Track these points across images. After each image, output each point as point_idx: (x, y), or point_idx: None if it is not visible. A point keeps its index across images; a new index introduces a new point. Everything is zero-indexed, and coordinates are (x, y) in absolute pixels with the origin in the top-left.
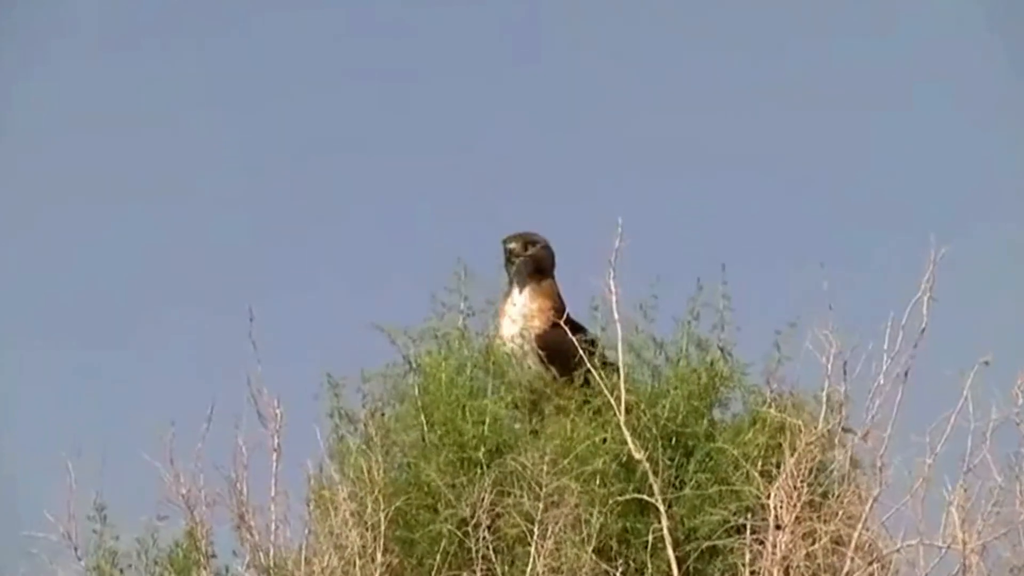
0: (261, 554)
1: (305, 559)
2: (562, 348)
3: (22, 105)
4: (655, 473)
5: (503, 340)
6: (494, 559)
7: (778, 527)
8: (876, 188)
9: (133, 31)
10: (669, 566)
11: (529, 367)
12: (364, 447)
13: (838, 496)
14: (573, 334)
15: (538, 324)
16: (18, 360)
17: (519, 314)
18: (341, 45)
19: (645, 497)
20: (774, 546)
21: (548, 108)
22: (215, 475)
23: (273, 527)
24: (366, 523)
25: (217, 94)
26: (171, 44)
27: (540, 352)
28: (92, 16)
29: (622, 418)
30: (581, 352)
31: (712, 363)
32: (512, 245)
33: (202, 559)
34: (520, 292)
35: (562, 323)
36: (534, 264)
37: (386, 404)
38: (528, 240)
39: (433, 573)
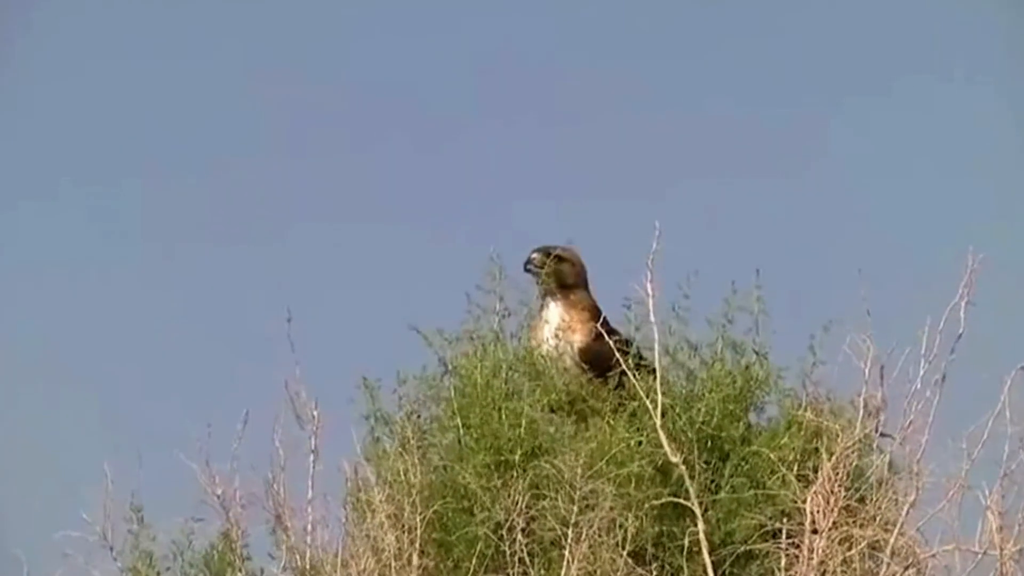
0: (297, 556)
1: (342, 562)
2: (605, 360)
3: None
4: (691, 477)
5: (540, 342)
6: (529, 563)
7: (814, 532)
8: (914, 191)
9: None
10: (705, 570)
11: (566, 369)
12: (401, 450)
13: (874, 501)
14: (609, 337)
15: (579, 337)
16: (57, 365)
17: (556, 324)
18: (377, 46)
19: (681, 501)
20: (810, 551)
21: (583, 110)
22: (251, 476)
23: (310, 529)
24: (403, 526)
25: (251, 86)
26: None
27: (583, 365)
28: None
29: (658, 421)
30: (620, 359)
31: (748, 367)
32: (533, 256)
33: (237, 561)
34: (554, 304)
35: (601, 330)
36: (556, 277)
37: (422, 406)
38: (550, 253)
39: None
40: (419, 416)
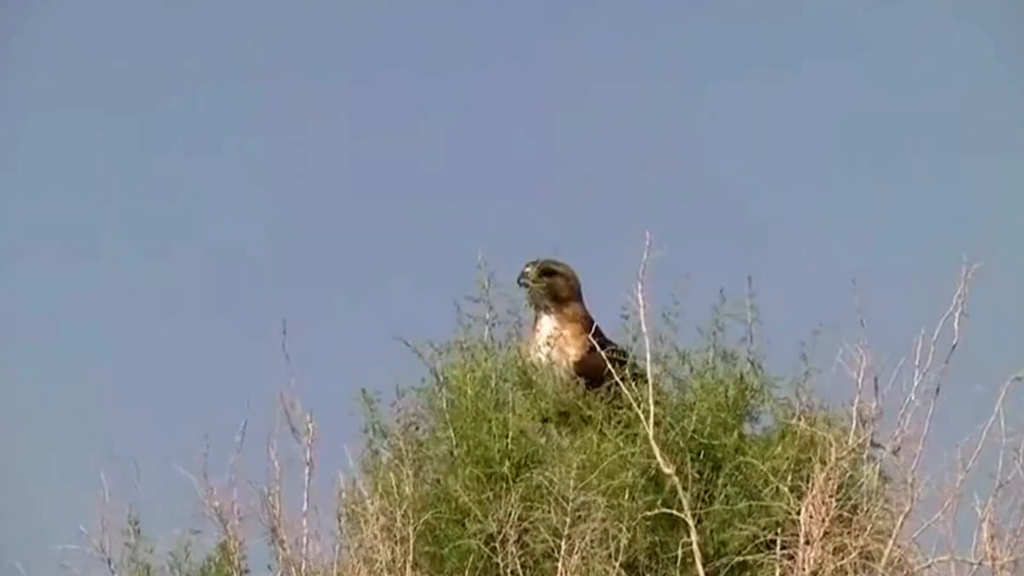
0: (293, 568)
1: (336, 574)
2: (600, 372)
3: None
4: (684, 487)
5: (535, 347)
6: (522, 574)
7: (807, 542)
8: (909, 202)
9: None
10: None
11: (561, 377)
12: (396, 462)
13: (868, 511)
14: (603, 348)
15: (574, 351)
16: (53, 373)
17: (550, 337)
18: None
19: (674, 512)
20: (804, 561)
21: (574, 120)
22: (248, 489)
23: (305, 541)
24: (396, 538)
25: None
26: None
27: (579, 379)
28: None
29: (650, 431)
30: (615, 371)
31: (741, 376)
32: (527, 270)
33: (235, 573)
34: (548, 317)
35: (595, 343)
36: (549, 292)
37: (421, 419)
38: (544, 268)
39: None
40: (417, 428)
